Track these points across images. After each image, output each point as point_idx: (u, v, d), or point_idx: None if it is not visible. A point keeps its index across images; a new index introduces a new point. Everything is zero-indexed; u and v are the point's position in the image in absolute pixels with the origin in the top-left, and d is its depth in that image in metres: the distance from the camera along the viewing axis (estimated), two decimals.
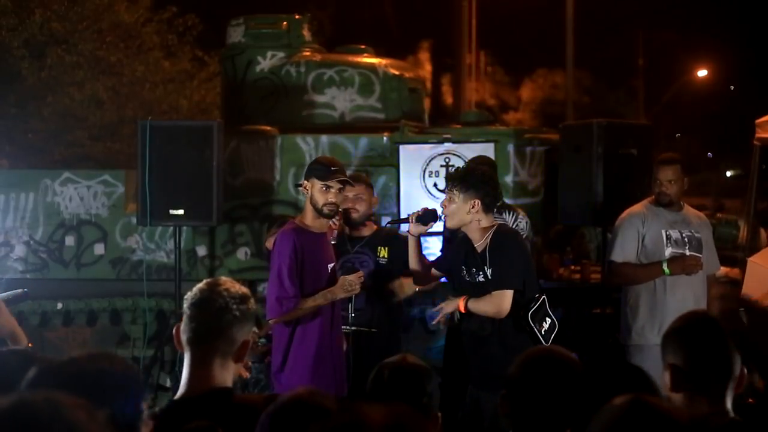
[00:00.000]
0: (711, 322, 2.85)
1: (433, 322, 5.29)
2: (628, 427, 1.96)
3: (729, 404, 2.72)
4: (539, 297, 4.79)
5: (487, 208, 4.83)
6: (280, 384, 4.95)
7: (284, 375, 4.92)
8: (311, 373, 4.88)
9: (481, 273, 4.83)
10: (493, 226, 4.85)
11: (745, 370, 2.78)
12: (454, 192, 4.82)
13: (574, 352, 2.78)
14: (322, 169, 4.94)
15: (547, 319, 4.78)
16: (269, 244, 6.44)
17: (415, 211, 5.08)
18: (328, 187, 4.90)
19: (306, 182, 4.96)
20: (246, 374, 2.88)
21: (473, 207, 4.79)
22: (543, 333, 4.72)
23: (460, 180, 4.83)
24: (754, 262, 6.00)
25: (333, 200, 4.94)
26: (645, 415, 1.97)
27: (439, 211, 5.05)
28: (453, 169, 5.07)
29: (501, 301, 4.72)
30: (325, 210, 4.94)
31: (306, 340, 4.93)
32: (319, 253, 4.99)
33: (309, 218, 4.97)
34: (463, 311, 4.84)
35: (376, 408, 1.62)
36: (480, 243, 4.83)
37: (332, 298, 4.96)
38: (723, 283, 7.07)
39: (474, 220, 4.82)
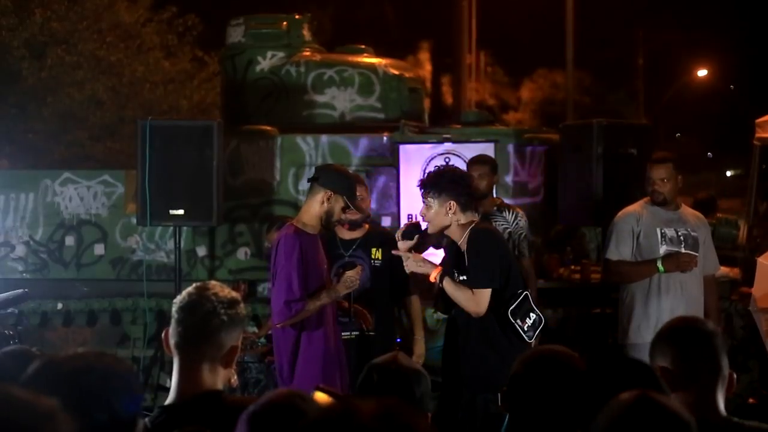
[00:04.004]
0: (697, 324, 2.89)
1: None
2: (633, 423, 1.97)
3: (721, 404, 2.72)
4: (521, 293, 4.77)
5: (464, 207, 4.82)
6: None
7: (296, 381, 4.88)
8: (322, 376, 4.86)
9: (463, 273, 4.84)
10: (471, 222, 4.84)
11: (734, 374, 2.79)
12: (429, 198, 4.82)
13: (574, 352, 2.78)
14: (353, 192, 5.01)
15: (531, 314, 4.76)
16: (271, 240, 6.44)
17: (399, 228, 5.08)
18: (348, 208, 4.99)
19: (331, 193, 4.92)
20: (234, 382, 2.87)
21: (450, 209, 4.78)
22: (526, 329, 4.71)
23: (432, 185, 4.83)
24: (764, 263, 5.97)
25: (343, 218, 5.08)
26: (651, 411, 1.97)
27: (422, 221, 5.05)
28: (423, 178, 5.04)
29: (480, 301, 4.69)
30: (334, 224, 5.06)
31: (313, 343, 4.92)
32: (317, 254, 5.01)
33: (309, 220, 4.96)
34: (431, 281, 4.80)
35: (368, 401, 1.63)
36: (461, 242, 4.84)
37: (335, 296, 4.99)
38: (723, 283, 7.08)
39: (453, 221, 4.81)
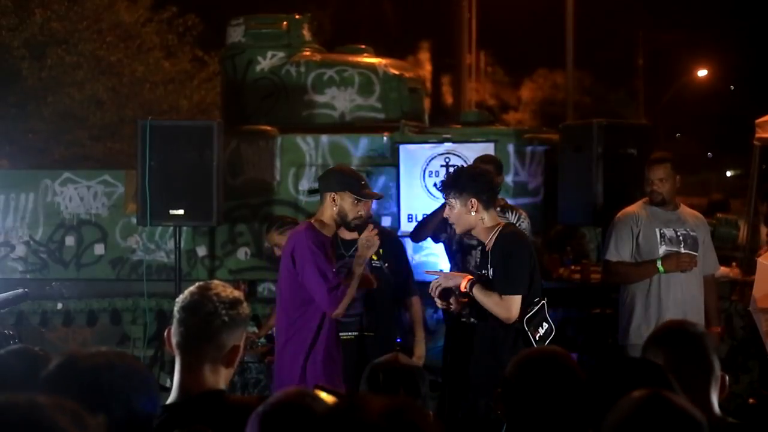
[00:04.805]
0: (686, 326, 2.94)
1: (433, 286, 5.00)
2: (645, 421, 1.97)
3: (715, 404, 2.73)
4: (539, 301, 4.75)
5: (487, 204, 4.80)
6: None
7: (308, 381, 4.84)
8: (325, 375, 4.85)
9: (483, 271, 4.83)
10: (498, 225, 4.83)
11: (726, 377, 2.80)
12: (451, 198, 4.81)
13: (574, 352, 2.78)
14: (356, 184, 4.98)
15: (544, 324, 4.74)
16: (278, 240, 6.41)
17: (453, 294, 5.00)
18: (359, 200, 4.96)
19: (335, 194, 4.94)
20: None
21: (472, 206, 4.77)
22: (537, 338, 4.68)
23: (452, 185, 4.82)
24: (764, 263, 5.96)
25: (362, 213, 5.02)
26: (663, 410, 1.97)
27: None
28: (443, 178, 5.03)
29: (510, 307, 4.67)
30: (353, 223, 5.01)
31: (319, 343, 4.91)
32: (328, 255, 5.02)
33: (325, 222, 4.97)
34: (462, 290, 4.79)
35: (376, 398, 1.63)
36: (487, 242, 4.82)
37: (363, 261, 4.96)
38: (722, 283, 7.07)
39: (478, 219, 4.79)
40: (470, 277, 4.78)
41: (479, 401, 4.75)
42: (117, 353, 2.24)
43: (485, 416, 4.68)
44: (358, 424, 1.58)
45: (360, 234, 5.68)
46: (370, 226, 5.09)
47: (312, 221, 5.01)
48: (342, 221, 4.98)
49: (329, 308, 4.86)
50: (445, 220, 5.56)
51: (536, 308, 4.72)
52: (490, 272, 4.77)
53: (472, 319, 5.03)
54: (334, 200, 4.94)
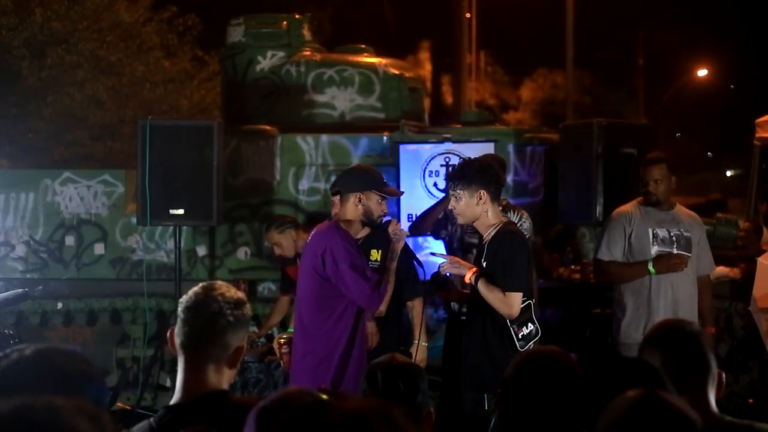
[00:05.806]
0: (682, 325, 2.95)
1: (440, 271, 5.01)
2: (639, 421, 1.97)
3: (713, 403, 2.73)
4: (525, 301, 4.76)
5: (494, 197, 4.82)
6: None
7: (345, 386, 4.74)
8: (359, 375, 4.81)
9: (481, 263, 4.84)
10: (499, 222, 4.84)
11: (723, 374, 2.80)
12: (458, 191, 4.81)
13: (573, 352, 2.78)
14: (380, 182, 4.96)
15: (529, 324, 4.75)
16: (278, 239, 6.40)
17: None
18: (384, 198, 4.95)
19: (360, 194, 4.89)
20: None
21: (480, 198, 4.77)
22: (520, 337, 4.69)
23: (460, 177, 4.82)
24: (764, 263, 5.95)
25: (386, 210, 5.01)
26: (657, 409, 1.97)
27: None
28: (450, 170, 5.04)
29: (512, 303, 4.69)
30: (378, 220, 4.97)
31: (357, 343, 4.86)
32: (360, 254, 4.99)
33: (352, 222, 4.94)
34: (466, 282, 4.80)
35: (355, 400, 1.65)
36: (486, 235, 4.83)
37: (396, 255, 4.92)
38: (722, 283, 7.07)
39: (483, 212, 4.80)
40: (476, 269, 4.78)
41: (467, 395, 4.76)
42: (58, 348, 2.25)
43: (473, 411, 4.70)
44: (320, 423, 1.60)
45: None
46: (394, 220, 5.10)
47: (336, 221, 4.97)
48: (368, 220, 4.93)
49: (372, 307, 4.81)
50: (446, 216, 5.56)
51: (522, 307, 4.74)
52: (483, 264, 4.78)
53: (463, 314, 5.06)
54: (359, 200, 4.89)
